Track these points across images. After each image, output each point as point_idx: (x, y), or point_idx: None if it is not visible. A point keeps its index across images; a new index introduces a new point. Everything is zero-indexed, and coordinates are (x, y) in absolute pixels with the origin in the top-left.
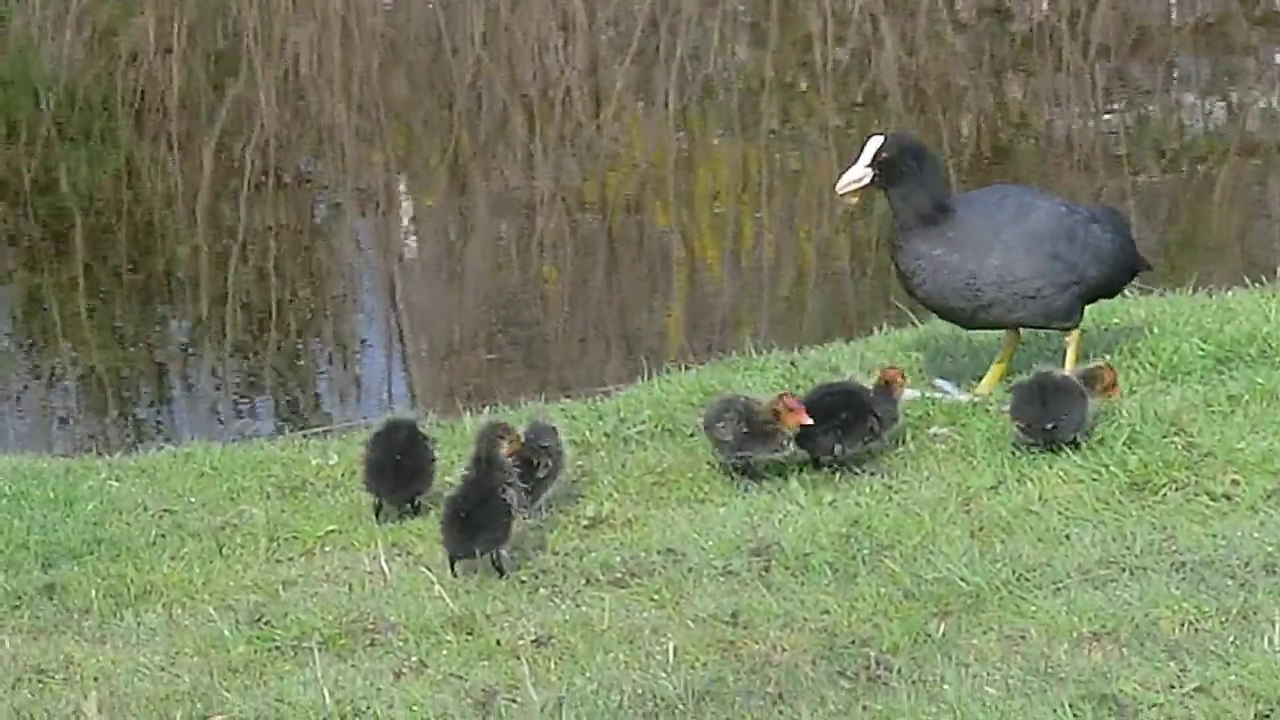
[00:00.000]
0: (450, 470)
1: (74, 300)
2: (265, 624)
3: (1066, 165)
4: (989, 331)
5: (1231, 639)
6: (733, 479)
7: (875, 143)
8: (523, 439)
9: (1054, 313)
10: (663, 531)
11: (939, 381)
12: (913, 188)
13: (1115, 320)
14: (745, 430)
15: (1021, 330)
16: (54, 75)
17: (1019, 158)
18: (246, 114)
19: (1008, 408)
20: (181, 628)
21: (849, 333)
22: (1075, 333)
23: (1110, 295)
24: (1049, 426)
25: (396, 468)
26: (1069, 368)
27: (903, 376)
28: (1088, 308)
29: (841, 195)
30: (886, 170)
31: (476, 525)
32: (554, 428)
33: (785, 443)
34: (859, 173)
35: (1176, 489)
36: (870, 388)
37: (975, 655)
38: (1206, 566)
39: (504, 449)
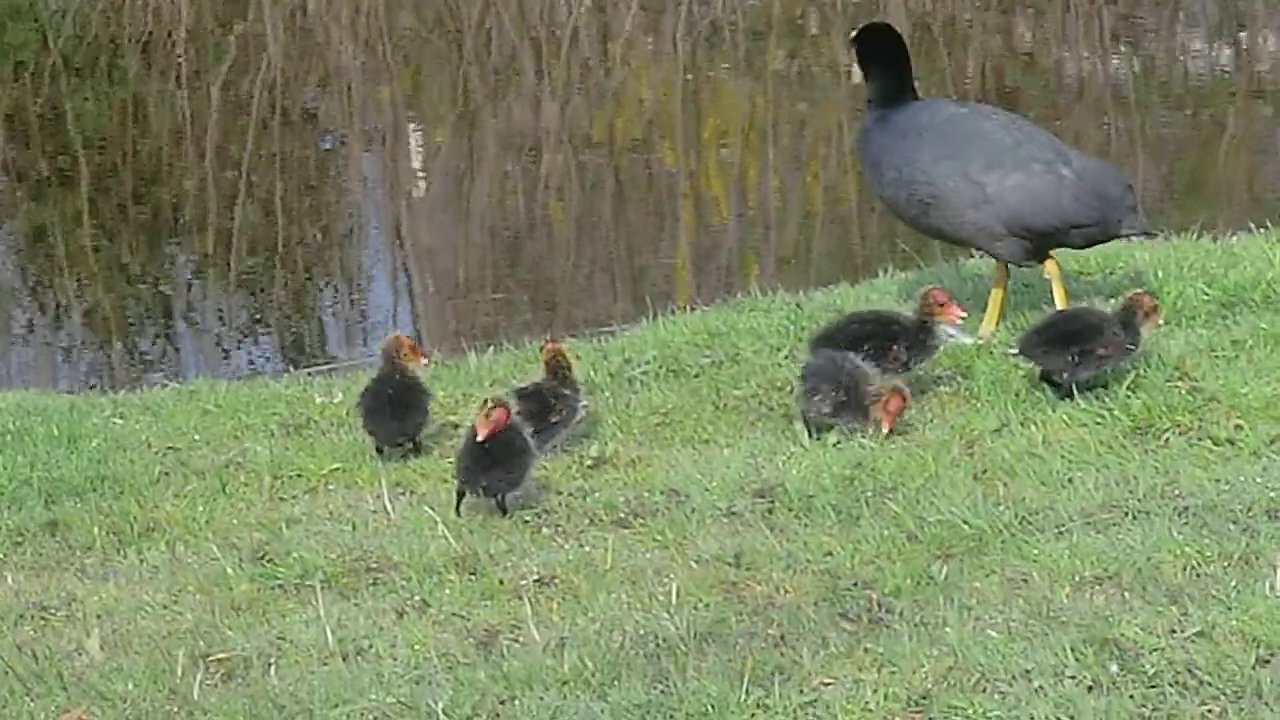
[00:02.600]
0: (455, 409)
1: (79, 236)
2: (268, 562)
3: (1074, 107)
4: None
5: (1233, 584)
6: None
7: (852, 34)
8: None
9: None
10: (666, 472)
11: (943, 325)
12: (877, 72)
13: (1120, 265)
14: (844, 400)
15: (1010, 266)
16: (61, 10)
17: (1026, 98)
18: (254, 50)
19: (1013, 350)
20: (184, 565)
21: (855, 275)
22: (1053, 270)
23: (1075, 245)
24: (1070, 374)
25: (391, 406)
26: (1059, 305)
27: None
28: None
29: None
30: (859, 57)
31: (493, 460)
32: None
33: (875, 420)
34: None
35: (1180, 433)
36: (903, 316)
37: (977, 598)
38: (1209, 511)
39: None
